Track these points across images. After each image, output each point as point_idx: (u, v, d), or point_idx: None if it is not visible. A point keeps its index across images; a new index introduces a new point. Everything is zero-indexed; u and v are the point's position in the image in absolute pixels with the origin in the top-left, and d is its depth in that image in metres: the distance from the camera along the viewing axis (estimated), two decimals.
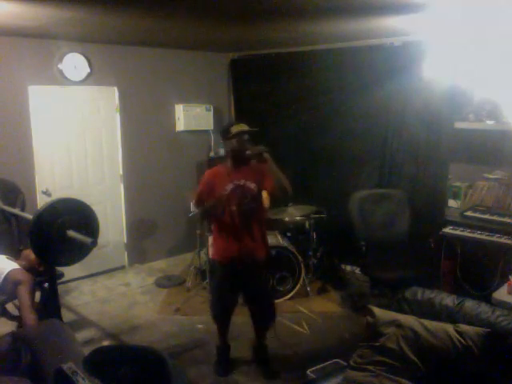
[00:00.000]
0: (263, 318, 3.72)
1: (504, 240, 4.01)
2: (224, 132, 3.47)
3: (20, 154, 5.05)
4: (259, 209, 3.53)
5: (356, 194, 4.89)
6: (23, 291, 3.44)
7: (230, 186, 3.40)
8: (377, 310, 2.85)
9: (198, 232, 5.36)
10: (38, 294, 3.74)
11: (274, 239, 4.98)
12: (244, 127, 3.40)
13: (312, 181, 5.83)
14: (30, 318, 3.34)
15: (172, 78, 6.13)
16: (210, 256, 3.83)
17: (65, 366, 1.70)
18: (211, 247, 5.18)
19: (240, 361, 3.90)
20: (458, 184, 4.72)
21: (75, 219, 3.34)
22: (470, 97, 4.47)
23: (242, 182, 3.42)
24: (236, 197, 3.41)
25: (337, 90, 5.48)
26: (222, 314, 3.74)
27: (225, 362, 3.80)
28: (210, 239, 5.15)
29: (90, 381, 1.67)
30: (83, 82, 5.35)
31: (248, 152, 3.32)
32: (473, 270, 4.37)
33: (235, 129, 3.38)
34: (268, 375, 3.68)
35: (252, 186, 3.44)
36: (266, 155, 3.29)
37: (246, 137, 3.37)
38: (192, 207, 5.45)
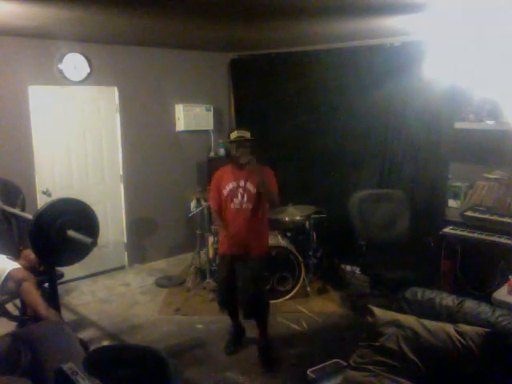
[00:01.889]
0: (244, 306, 3.88)
1: (504, 240, 4.01)
2: (227, 136, 3.78)
3: (20, 154, 5.05)
4: (258, 209, 3.75)
5: (356, 194, 4.90)
6: (30, 288, 3.44)
7: (230, 186, 3.72)
8: (377, 310, 2.85)
9: (198, 232, 5.37)
10: None
11: (274, 239, 4.98)
12: (243, 134, 3.66)
13: (312, 181, 5.83)
14: (50, 313, 3.34)
15: (172, 78, 6.13)
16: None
17: (65, 366, 1.70)
18: (211, 247, 5.22)
19: (240, 361, 3.90)
20: (458, 184, 4.72)
21: (75, 219, 3.33)
22: (470, 97, 4.47)
23: (242, 182, 3.70)
24: (233, 195, 3.71)
25: (337, 89, 5.48)
26: (222, 300, 3.99)
27: (233, 341, 4.06)
28: (210, 239, 5.18)
29: (90, 381, 1.67)
30: (83, 81, 5.35)
31: (242, 160, 3.63)
32: (473, 270, 4.37)
33: (233, 135, 3.68)
34: (265, 363, 3.84)
35: (251, 187, 3.69)
36: (252, 166, 3.58)
37: (243, 144, 3.63)
38: (192, 207, 5.46)
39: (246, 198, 3.70)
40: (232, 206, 3.73)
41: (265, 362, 3.84)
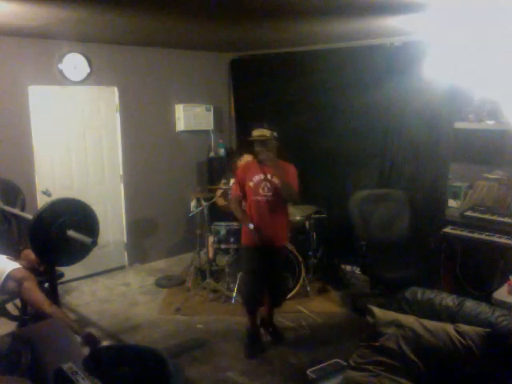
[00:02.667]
0: (273, 294, 4.13)
1: (504, 240, 4.01)
2: (242, 137, 4.01)
3: (20, 154, 5.05)
4: (280, 201, 3.92)
5: (356, 194, 4.90)
6: (32, 286, 3.44)
7: (257, 178, 3.87)
8: (377, 310, 2.85)
9: (198, 232, 5.37)
10: None
11: None
12: (263, 132, 3.86)
13: (312, 181, 5.82)
14: (55, 310, 3.33)
15: (172, 78, 6.13)
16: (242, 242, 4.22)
17: (65, 366, 1.71)
18: (211, 247, 5.22)
19: (240, 361, 3.90)
20: (458, 184, 4.72)
21: (75, 219, 3.34)
22: (470, 97, 4.47)
23: (269, 176, 3.85)
24: (259, 188, 3.85)
25: (337, 89, 5.48)
26: (248, 295, 4.06)
27: (254, 344, 4.07)
28: (210, 239, 5.18)
29: (90, 381, 1.67)
30: (83, 81, 5.35)
31: (260, 158, 3.84)
32: (473, 270, 4.37)
33: (255, 134, 3.89)
34: (275, 339, 4.17)
35: (277, 181, 3.83)
36: (270, 163, 3.79)
37: (262, 143, 3.83)
38: (192, 207, 5.46)
39: (272, 191, 3.83)
40: (258, 197, 3.85)
41: (277, 339, 4.17)
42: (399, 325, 2.70)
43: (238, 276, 4.83)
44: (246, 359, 3.91)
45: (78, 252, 3.44)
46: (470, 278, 4.35)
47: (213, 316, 4.66)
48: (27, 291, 3.45)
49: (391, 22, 4.07)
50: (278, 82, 6.03)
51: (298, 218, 5.15)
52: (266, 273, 3.97)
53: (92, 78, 5.41)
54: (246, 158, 5.33)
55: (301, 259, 4.90)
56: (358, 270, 5.30)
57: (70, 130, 5.40)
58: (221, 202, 5.32)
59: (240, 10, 3.61)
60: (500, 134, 4.34)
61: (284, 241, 4.11)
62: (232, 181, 5.42)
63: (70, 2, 3.27)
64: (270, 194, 3.84)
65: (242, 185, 3.94)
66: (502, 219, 4.17)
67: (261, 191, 3.85)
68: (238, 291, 4.70)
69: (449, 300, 2.86)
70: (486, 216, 4.26)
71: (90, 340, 3.07)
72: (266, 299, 4.13)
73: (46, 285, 3.73)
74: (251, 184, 3.87)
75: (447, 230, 4.34)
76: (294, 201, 4.13)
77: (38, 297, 3.41)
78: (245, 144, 6.27)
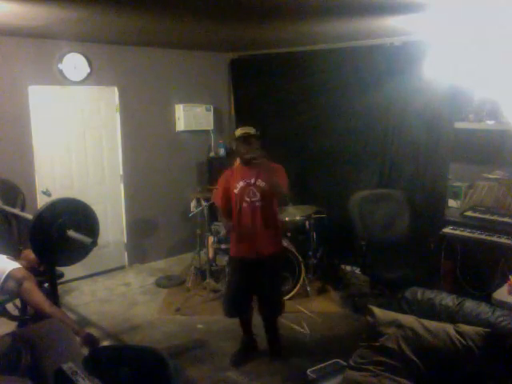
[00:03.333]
0: (266, 308, 3.87)
1: (504, 240, 4.01)
2: (231, 134, 3.78)
3: (20, 154, 5.05)
4: (268, 207, 3.68)
5: (356, 194, 4.90)
6: (31, 286, 3.43)
7: (241, 184, 3.64)
8: (377, 310, 2.85)
9: (198, 232, 5.37)
10: None
11: None
12: (248, 130, 3.64)
13: (312, 181, 5.83)
14: (55, 310, 3.33)
15: (172, 78, 6.13)
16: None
17: (65, 366, 1.71)
18: (211, 247, 5.22)
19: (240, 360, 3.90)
20: (458, 184, 4.72)
21: (75, 219, 3.34)
22: (470, 97, 4.47)
23: (253, 180, 3.62)
24: (244, 194, 3.62)
25: (337, 89, 5.48)
26: (232, 307, 3.86)
27: (243, 353, 3.93)
28: (210, 239, 5.18)
29: (90, 381, 1.67)
30: (83, 81, 5.35)
31: (247, 155, 3.60)
32: (473, 270, 4.37)
33: (238, 132, 3.68)
34: (271, 351, 3.96)
35: (262, 184, 3.61)
36: (259, 161, 3.56)
37: (249, 139, 3.60)
38: (192, 207, 5.46)
39: (257, 196, 3.61)
40: (244, 205, 3.62)
41: (274, 352, 3.95)
42: (399, 325, 2.70)
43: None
44: (245, 361, 3.91)
45: (78, 252, 3.44)
46: (470, 278, 4.35)
47: (213, 316, 4.66)
48: (27, 291, 3.45)
49: (391, 22, 4.07)
50: (278, 82, 6.02)
51: (297, 218, 5.15)
52: (252, 286, 3.76)
53: (92, 78, 5.41)
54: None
55: (301, 259, 4.90)
56: (358, 270, 5.30)
57: (70, 130, 5.40)
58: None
59: (240, 10, 3.61)
60: (500, 134, 4.35)
61: (278, 247, 3.85)
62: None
63: (69, 2, 3.26)
64: (255, 199, 3.61)
65: (226, 194, 3.72)
66: (501, 219, 4.17)
67: (246, 197, 3.61)
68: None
69: (449, 300, 2.87)
70: (486, 216, 4.26)
71: (90, 340, 3.08)
72: (260, 311, 3.92)
73: (46, 285, 3.73)
74: (236, 191, 3.63)
75: (447, 230, 4.33)
76: (284, 202, 3.91)
77: (37, 297, 3.41)
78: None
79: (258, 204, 3.63)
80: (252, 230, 3.65)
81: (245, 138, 3.61)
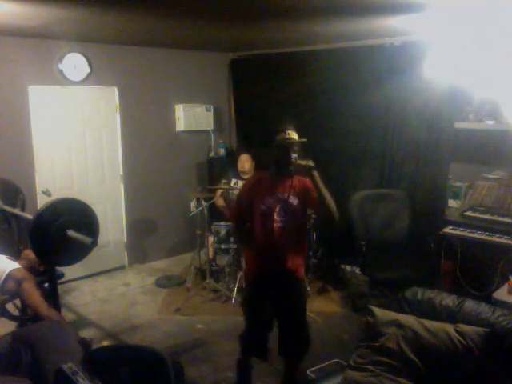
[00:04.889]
0: (292, 345, 3.15)
1: (504, 240, 4.01)
2: (269, 138, 3.08)
3: (20, 154, 5.05)
4: (300, 226, 3.10)
5: (356, 194, 4.90)
6: (30, 287, 3.43)
7: (270, 200, 3.02)
8: (377, 310, 2.85)
9: (198, 232, 5.37)
10: None
11: None
12: (292, 135, 3.03)
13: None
14: (51, 313, 3.33)
15: (172, 78, 6.13)
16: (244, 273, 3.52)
17: (65, 366, 1.71)
18: (211, 247, 5.21)
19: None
20: (457, 184, 4.72)
21: (75, 219, 3.33)
22: (470, 97, 4.47)
23: (286, 195, 3.01)
24: (277, 213, 3.01)
25: (337, 90, 5.48)
26: (253, 340, 3.24)
27: (243, 382, 3.43)
28: (210, 239, 5.18)
29: (90, 381, 1.67)
30: (83, 81, 5.35)
31: (292, 166, 2.98)
32: (473, 270, 4.37)
33: (281, 136, 3.02)
34: None
35: (295, 201, 3.03)
36: (315, 173, 2.99)
37: (292, 147, 2.99)
38: (192, 207, 5.46)
39: (289, 215, 3.01)
40: (273, 224, 2.99)
41: None
42: (399, 325, 2.70)
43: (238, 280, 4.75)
44: None
45: (78, 252, 3.43)
46: (470, 278, 4.35)
47: (213, 316, 4.66)
48: (25, 292, 3.45)
49: (391, 22, 4.07)
50: (278, 82, 6.02)
51: None
52: (276, 312, 3.12)
53: (92, 78, 5.41)
54: (243, 159, 5.32)
55: None
56: (358, 270, 5.30)
57: (70, 130, 5.40)
58: (220, 202, 5.32)
59: (240, 10, 3.61)
60: (500, 134, 4.35)
61: (301, 272, 3.18)
62: (233, 181, 5.41)
63: (70, 2, 3.26)
64: (285, 219, 3.00)
65: (247, 205, 3.07)
66: (501, 219, 4.17)
67: (276, 216, 2.99)
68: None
69: (449, 300, 2.87)
70: (486, 216, 4.26)
71: (83, 345, 3.07)
72: (282, 350, 3.18)
73: (46, 285, 3.73)
74: (263, 207, 3.00)
75: (447, 230, 4.33)
76: (336, 217, 3.06)
77: (35, 298, 3.41)
78: (244, 144, 6.32)
79: (287, 225, 3.02)
80: (278, 252, 3.04)
81: (288, 145, 2.98)
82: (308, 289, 5.06)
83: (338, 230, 5.33)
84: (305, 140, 3.08)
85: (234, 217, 3.35)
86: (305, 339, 3.18)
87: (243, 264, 3.54)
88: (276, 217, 3.00)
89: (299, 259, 3.13)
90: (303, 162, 2.98)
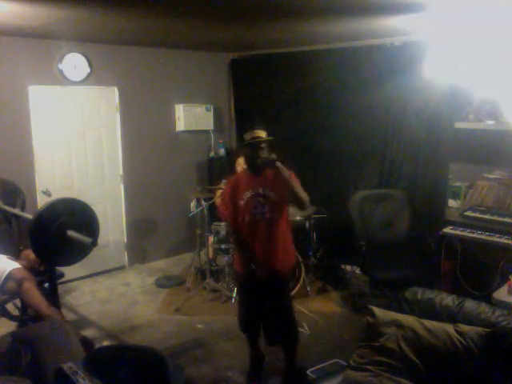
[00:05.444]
0: (280, 335, 3.47)
1: (504, 240, 4.01)
2: (241, 138, 3.42)
3: (20, 154, 5.05)
4: (279, 218, 3.32)
5: (356, 194, 4.90)
6: (31, 287, 3.44)
7: (248, 194, 3.28)
8: (377, 310, 2.85)
9: (198, 232, 5.37)
10: None
11: None
12: (259, 134, 3.25)
13: (312, 181, 5.80)
14: (52, 312, 3.33)
15: (172, 78, 6.13)
16: (234, 268, 3.74)
17: (65, 366, 1.71)
18: (211, 247, 5.21)
19: (240, 361, 3.90)
20: (458, 184, 4.72)
21: (75, 219, 3.34)
22: (470, 97, 4.47)
23: (261, 190, 3.26)
24: (253, 205, 3.27)
25: (337, 90, 5.48)
26: (243, 324, 3.57)
27: (255, 369, 3.68)
28: (210, 239, 5.17)
29: (90, 381, 1.67)
30: (83, 81, 5.35)
31: (258, 160, 3.18)
32: (473, 270, 4.37)
33: (249, 136, 3.27)
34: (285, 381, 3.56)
35: (271, 194, 3.27)
36: (278, 164, 3.12)
37: (260, 144, 3.20)
38: (192, 207, 5.46)
39: (267, 208, 3.25)
40: (252, 217, 3.26)
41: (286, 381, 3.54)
42: (399, 325, 2.70)
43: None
44: (245, 360, 3.88)
45: (78, 252, 3.44)
46: (470, 278, 4.35)
47: (213, 316, 4.66)
48: (26, 292, 3.45)
49: (391, 22, 4.07)
50: (278, 82, 6.02)
51: (298, 218, 5.15)
52: (264, 307, 3.41)
53: (92, 78, 5.41)
54: (241, 162, 5.32)
55: (301, 259, 4.90)
56: (358, 270, 5.30)
57: (70, 130, 5.40)
58: (220, 202, 5.31)
59: (240, 10, 3.61)
60: (500, 134, 4.35)
61: (290, 263, 3.50)
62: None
63: (70, 2, 3.26)
64: (264, 211, 3.25)
65: (234, 204, 3.33)
66: (501, 219, 4.17)
67: (253, 209, 3.25)
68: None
69: (449, 300, 2.87)
70: (486, 216, 4.26)
71: (85, 344, 3.07)
72: (271, 339, 3.56)
73: (46, 285, 3.73)
74: (242, 203, 3.27)
75: (447, 229, 4.33)
76: (306, 205, 3.28)
77: (36, 298, 3.41)
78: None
79: (266, 216, 3.26)
80: (261, 245, 3.30)
81: (254, 144, 3.22)
82: (308, 289, 5.07)
83: (336, 229, 5.36)
84: (271, 138, 3.29)
85: (228, 218, 3.48)
86: (290, 322, 3.46)
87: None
88: (254, 209, 3.26)
89: (282, 252, 3.35)
90: (266, 156, 3.18)
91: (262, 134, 3.27)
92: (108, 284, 5.54)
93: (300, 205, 3.27)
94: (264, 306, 3.42)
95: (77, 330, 3.52)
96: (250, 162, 3.31)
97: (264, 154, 3.19)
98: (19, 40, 4.86)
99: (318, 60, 5.65)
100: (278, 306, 3.44)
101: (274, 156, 3.15)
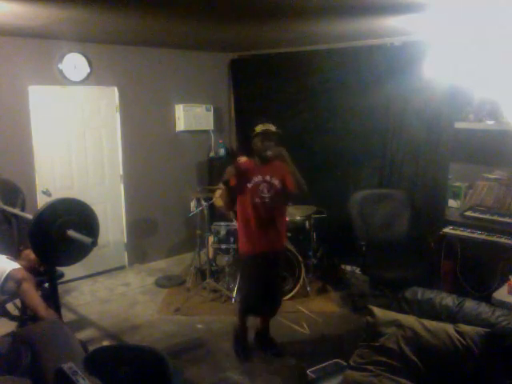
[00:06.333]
0: (272, 303, 3.95)
1: (504, 240, 4.01)
2: (251, 130, 3.68)
3: (20, 154, 5.05)
4: (281, 204, 3.80)
5: (356, 194, 4.90)
6: (29, 288, 3.43)
7: (256, 179, 3.65)
8: (377, 310, 2.85)
9: (198, 232, 5.37)
10: None
11: None
12: (269, 127, 3.61)
13: (312, 181, 5.79)
14: (50, 314, 3.33)
15: (172, 78, 6.13)
16: (239, 251, 4.01)
17: (65, 366, 1.70)
18: (211, 247, 5.21)
19: (240, 360, 3.90)
20: (458, 184, 4.72)
21: (75, 219, 3.33)
22: (470, 97, 4.47)
23: (268, 177, 3.66)
24: (260, 190, 3.65)
25: (337, 89, 5.48)
26: (248, 306, 3.90)
27: (245, 343, 4.01)
28: (210, 239, 5.17)
29: (90, 381, 1.67)
30: (83, 81, 5.35)
31: (269, 152, 3.58)
32: (473, 270, 4.37)
33: (259, 128, 3.61)
34: (273, 353, 3.96)
35: (276, 182, 3.68)
36: (284, 152, 3.54)
37: (269, 137, 3.59)
38: (192, 207, 5.46)
39: (271, 193, 3.66)
40: (258, 200, 3.64)
41: (276, 353, 3.95)
42: (399, 325, 2.70)
43: (237, 282, 4.82)
44: (245, 360, 3.91)
45: (78, 252, 3.43)
46: (470, 278, 4.35)
47: (213, 316, 4.66)
48: (24, 293, 3.45)
49: (391, 22, 4.07)
50: (278, 82, 6.02)
51: (298, 218, 5.15)
52: (267, 281, 3.81)
53: (92, 78, 5.41)
54: (242, 160, 5.32)
55: (301, 259, 4.90)
56: (358, 270, 5.30)
57: (70, 130, 5.40)
58: (220, 202, 5.31)
59: (240, 10, 3.61)
60: (500, 134, 4.35)
61: (283, 243, 4.01)
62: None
63: (69, 2, 3.26)
64: (269, 195, 3.65)
65: (240, 178, 3.61)
66: (501, 219, 4.17)
67: (260, 193, 3.64)
68: (239, 301, 4.33)
69: (449, 300, 2.86)
70: (486, 216, 4.26)
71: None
72: (263, 309, 3.98)
73: (46, 285, 3.73)
74: (249, 185, 3.64)
75: (447, 230, 4.33)
76: (305, 189, 3.65)
77: (33, 300, 3.41)
78: (245, 144, 6.32)
79: (270, 200, 3.66)
80: (265, 225, 3.69)
81: (265, 135, 3.58)
82: (308, 289, 5.07)
83: (336, 229, 5.35)
84: (280, 131, 3.65)
85: (229, 183, 3.64)
86: (277, 301, 3.97)
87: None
88: (260, 193, 3.64)
89: (281, 232, 3.84)
90: (275, 150, 3.58)
91: (272, 128, 3.63)
92: (108, 284, 5.54)
93: (301, 190, 3.64)
94: (269, 278, 3.81)
95: (73, 333, 3.52)
96: (259, 151, 3.63)
97: (270, 147, 3.57)
98: (19, 40, 4.86)
99: (318, 60, 5.65)
100: (277, 276, 3.95)
101: (281, 148, 3.57)
